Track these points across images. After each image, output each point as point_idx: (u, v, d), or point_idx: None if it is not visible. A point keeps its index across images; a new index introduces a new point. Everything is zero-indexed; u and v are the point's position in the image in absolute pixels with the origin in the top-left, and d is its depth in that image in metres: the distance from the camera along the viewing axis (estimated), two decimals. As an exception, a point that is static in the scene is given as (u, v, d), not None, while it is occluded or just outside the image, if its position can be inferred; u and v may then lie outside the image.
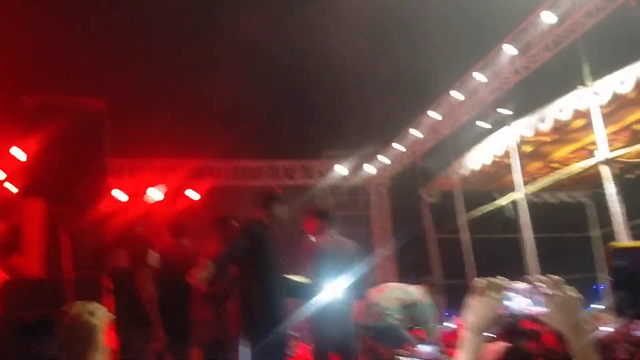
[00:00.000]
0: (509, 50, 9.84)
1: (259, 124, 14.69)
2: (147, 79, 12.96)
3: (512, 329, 3.49)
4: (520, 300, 1.52)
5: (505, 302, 1.55)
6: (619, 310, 0.60)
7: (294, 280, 4.66)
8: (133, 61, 12.42)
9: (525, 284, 1.53)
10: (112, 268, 4.47)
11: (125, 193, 11.70)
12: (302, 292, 4.72)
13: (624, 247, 0.62)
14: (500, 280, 1.61)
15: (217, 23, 12.37)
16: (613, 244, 0.64)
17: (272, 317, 4.09)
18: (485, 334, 1.63)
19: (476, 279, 1.68)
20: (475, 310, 1.63)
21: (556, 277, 1.45)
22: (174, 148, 13.77)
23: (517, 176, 10.24)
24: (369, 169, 14.76)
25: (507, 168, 10.88)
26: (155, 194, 13.16)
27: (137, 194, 12.27)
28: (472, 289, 1.68)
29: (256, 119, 14.53)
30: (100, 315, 0.70)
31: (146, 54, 12.88)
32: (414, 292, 6.16)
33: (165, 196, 13.34)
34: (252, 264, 4.24)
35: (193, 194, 14.05)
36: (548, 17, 8.97)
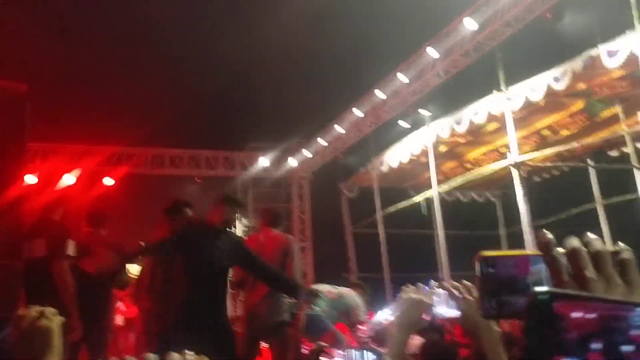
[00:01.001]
0: (431, 53, 10.18)
1: (181, 113, 14.42)
2: (66, 61, 12.41)
3: (430, 326, 3.69)
4: (441, 304, 1.75)
5: (432, 307, 1.78)
6: (485, 315, 0.70)
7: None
8: (52, 43, 11.87)
9: (443, 290, 1.74)
10: (29, 257, 4.31)
11: (38, 177, 11.20)
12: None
13: (491, 256, 0.73)
14: (423, 294, 1.85)
15: (139, 9, 12.01)
16: (482, 253, 0.74)
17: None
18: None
19: (404, 287, 1.90)
20: (404, 312, 1.89)
21: (469, 283, 1.64)
22: (90, 133, 13.28)
23: (432, 175, 10.65)
24: (292, 162, 14.85)
25: (424, 166, 11.30)
26: (69, 179, 12.68)
27: (49, 179, 11.77)
28: (402, 292, 1.93)
29: (179, 108, 14.24)
30: (56, 320, 0.71)
31: (65, 35, 12.34)
32: (343, 290, 6.29)
33: (79, 182, 12.88)
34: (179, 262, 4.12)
35: (109, 181, 13.66)
36: (470, 24, 9.36)
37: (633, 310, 0.49)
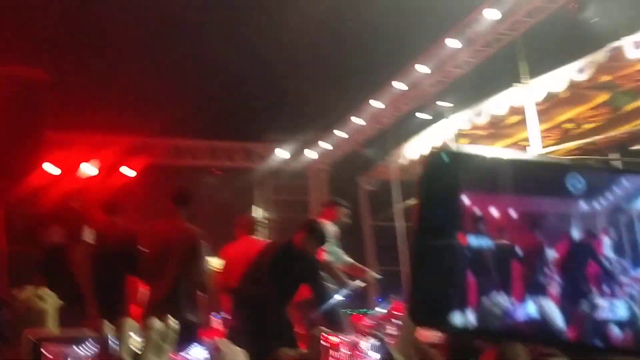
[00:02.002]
0: (452, 44, 10.05)
1: (199, 103, 14.45)
2: (86, 51, 12.50)
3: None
4: None
5: None
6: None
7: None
8: (72, 32, 11.95)
9: None
10: (47, 243, 4.35)
11: (58, 167, 11.29)
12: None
13: None
14: None
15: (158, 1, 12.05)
16: None
17: None
18: None
19: None
20: None
21: None
22: (109, 123, 13.35)
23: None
24: (310, 154, 14.82)
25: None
26: (88, 169, 12.77)
27: (69, 169, 11.86)
28: None
29: (197, 98, 14.28)
30: (51, 301, 0.68)
31: (85, 24, 12.41)
32: None
33: (99, 172, 12.97)
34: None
35: (128, 171, 13.74)
36: (491, 14, 9.22)
37: None
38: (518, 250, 0.36)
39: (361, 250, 13.69)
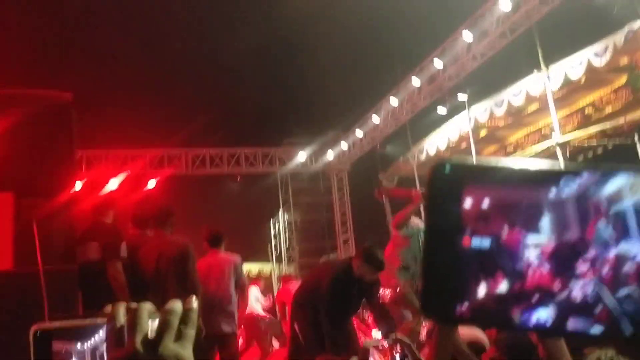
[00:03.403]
0: (466, 36, 10.02)
1: (219, 112, 14.59)
2: (107, 69, 12.70)
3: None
4: None
5: None
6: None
7: None
8: (93, 52, 12.15)
9: None
10: (84, 260, 4.42)
11: (87, 184, 11.50)
12: None
13: None
14: None
15: (177, 15, 12.20)
16: None
17: None
18: None
19: None
20: None
21: None
22: (130, 138, 13.56)
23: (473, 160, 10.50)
24: (329, 155, 14.87)
25: (464, 152, 11.15)
26: (113, 184, 12.98)
27: (98, 185, 12.07)
28: None
29: (216, 108, 14.42)
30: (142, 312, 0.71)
31: (106, 44, 12.61)
32: None
33: (123, 186, 13.16)
34: None
35: (152, 183, 13.93)
36: (504, 5, 9.18)
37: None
38: (510, 246, 0.42)
39: (386, 244, 13.68)
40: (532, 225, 0.42)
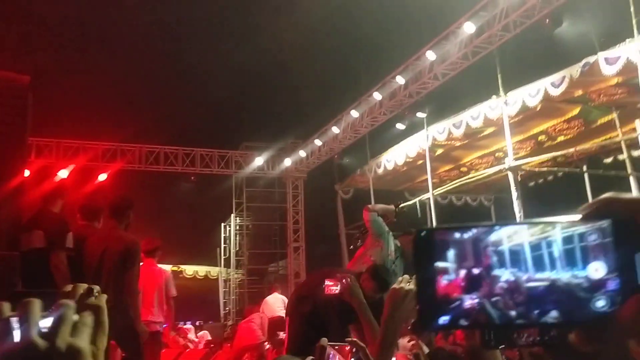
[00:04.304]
0: (429, 56, 10.20)
1: (176, 110, 14.40)
2: (62, 56, 12.38)
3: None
4: None
5: None
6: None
7: None
8: (49, 37, 11.84)
9: None
10: (27, 248, 4.29)
11: (36, 172, 11.16)
12: None
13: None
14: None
15: (138, 9, 11.99)
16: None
17: None
18: None
19: (400, 278, 1.92)
20: (396, 303, 1.91)
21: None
22: (84, 129, 13.25)
23: (428, 178, 10.68)
24: (287, 162, 14.86)
25: (419, 169, 11.33)
26: (63, 173, 12.65)
27: (47, 174, 11.73)
28: (395, 283, 1.97)
29: (174, 105, 14.22)
30: (104, 297, 0.70)
31: (63, 30, 12.30)
32: None
33: (74, 176, 12.84)
34: None
35: (103, 176, 13.67)
36: (468, 28, 9.39)
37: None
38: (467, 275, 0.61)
39: (337, 256, 13.73)
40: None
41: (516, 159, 9.20)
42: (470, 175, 10.89)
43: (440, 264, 0.60)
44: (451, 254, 0.60)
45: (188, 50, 13.86)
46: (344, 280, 3.66)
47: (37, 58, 11.32)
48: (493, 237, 0.61)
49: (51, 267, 4.44)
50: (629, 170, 8.91)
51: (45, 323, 0.67)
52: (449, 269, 0.60)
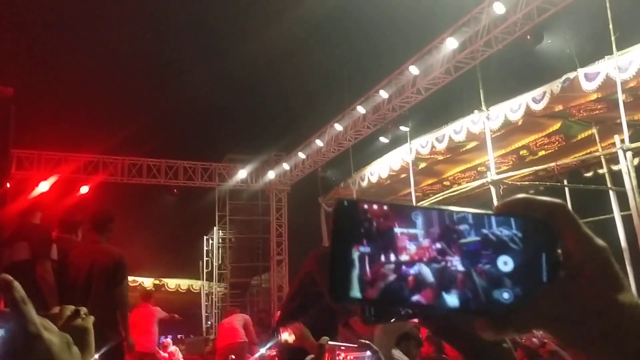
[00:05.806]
0: (412, 70, 10.32)
1: (159, 123, 14.35)
2: (44, 68, 12.31)
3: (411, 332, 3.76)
4: None
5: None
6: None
7: None
8: (31, 49, 11.76)
9: None
10: (11, 260, 4.25)
11: (17, 184, 11.04)
12: None
13: None
14: None
15: (119, 20, 11.99)
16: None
17: None
18: None
19: None
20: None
21: None
22: (66, 141, 13.15)
23: (412, 191, 10.75)
24: (271, 174, 14.86)
25: (403, 183, 11.40)
26: (44, 186, 12.52)
27: (24, 186, 11.60)
28: None
29: (157, 117, 14.17)
30: (91, 319, 0.71)
31: (45, 41, 12.24)
32: None
33: (55, 189, 12.72)
34: None
35: (85, 189, 13.53)
36: (451, 43, 9.53)
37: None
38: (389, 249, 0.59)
39: (320, 271, 13.72)
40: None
41: (498, 173, 9.31)
42: (453, 189, 10.98)
43: (356, 238, 0.59)
44: (367, 228, 0.60)
45: (172, 63, 13.86)
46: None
47: (20, 70, 11.24)
48: (406, 219, 0.61)
49: (37, 277, 4.40)
50: (609, 184, 9.05)
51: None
52: (364, 243, 0.59)
